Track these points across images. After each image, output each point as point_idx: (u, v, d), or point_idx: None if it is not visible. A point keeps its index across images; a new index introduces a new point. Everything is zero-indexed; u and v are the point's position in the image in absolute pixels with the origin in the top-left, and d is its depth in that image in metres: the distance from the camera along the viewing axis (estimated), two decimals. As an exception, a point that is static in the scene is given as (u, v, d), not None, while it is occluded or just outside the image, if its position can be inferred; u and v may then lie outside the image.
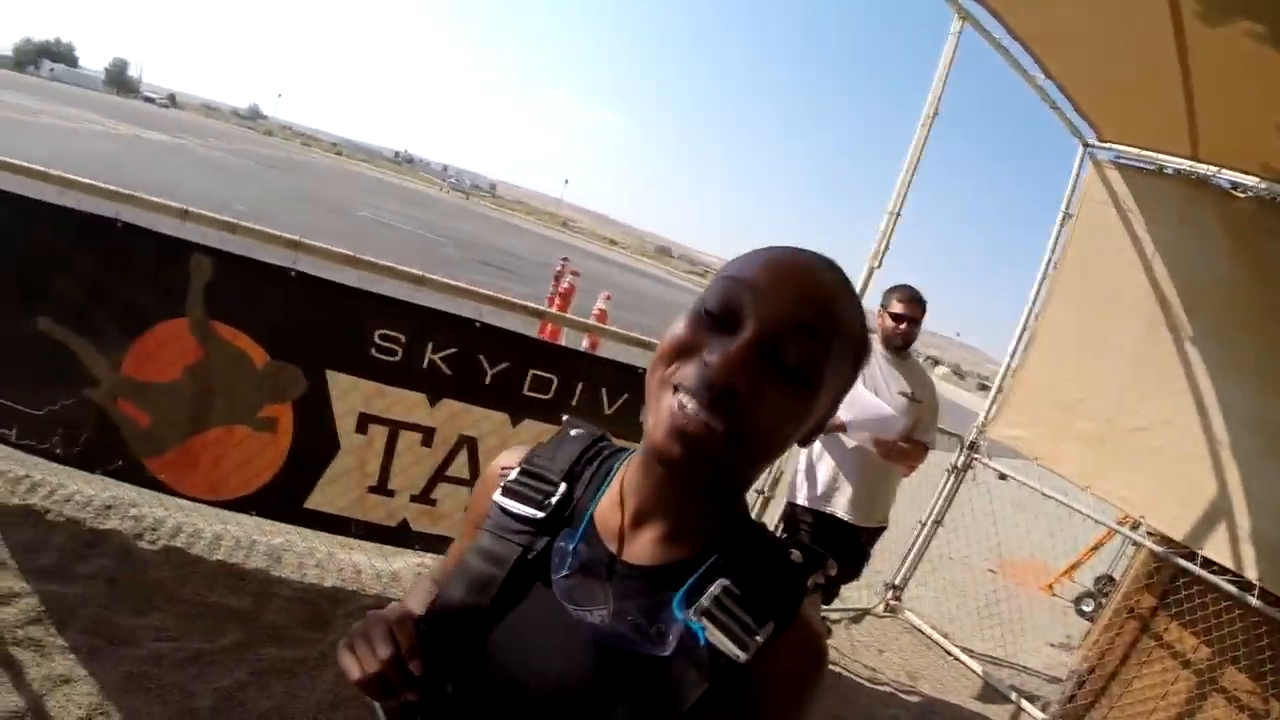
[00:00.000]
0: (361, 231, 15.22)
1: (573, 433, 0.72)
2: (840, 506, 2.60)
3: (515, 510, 0.65)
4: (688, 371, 0.53)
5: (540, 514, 0.64)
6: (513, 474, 0.68)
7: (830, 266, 0.58)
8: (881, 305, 2.68)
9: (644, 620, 0.57)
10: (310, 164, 40.22)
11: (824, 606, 3.48)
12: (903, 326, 2.60)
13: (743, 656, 0.54)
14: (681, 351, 0.55)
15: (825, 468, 2.62)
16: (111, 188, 2.17)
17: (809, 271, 0.56)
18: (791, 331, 0.53)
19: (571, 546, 0.61)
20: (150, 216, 2.15)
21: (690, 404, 0.52)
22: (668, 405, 0.54)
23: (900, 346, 2.66)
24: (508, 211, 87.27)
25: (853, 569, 2.73)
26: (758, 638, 0.54)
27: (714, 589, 0.56)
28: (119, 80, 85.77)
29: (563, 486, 0.65)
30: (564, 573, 0.61)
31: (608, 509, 0.63)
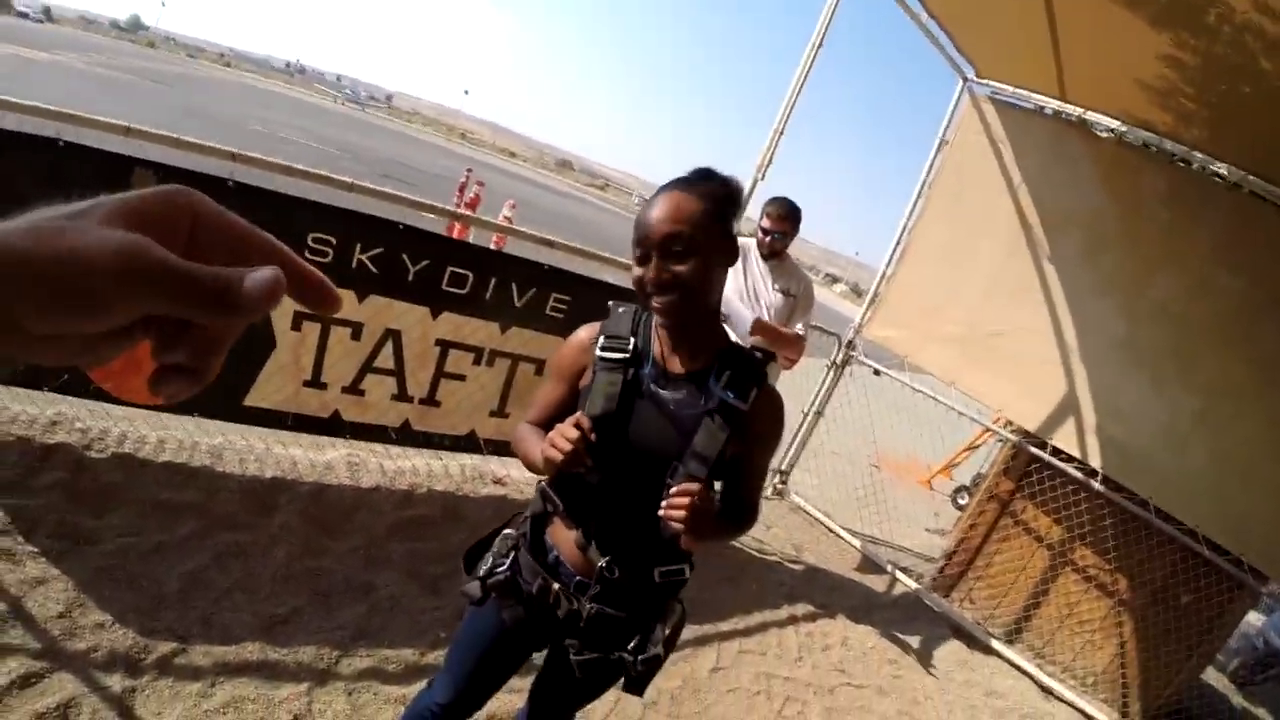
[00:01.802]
0: (255, 146, 14.55)
1: (620, 310, 1.23)
2: None
3: (611, 356, 1.16)
4: (645, 286, 1.08)
5: (627, 355, 1.16)
6: (601, 339, 1.18)
7: (679, 186, 1.10)
8: (760, 215, 2.90)
9: (694, 394, 1.13)
10: (197, 77, 37.07)
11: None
12: (769, 239, 2.82)
13: (744, 406, 1.11)
14: (640, 281, 1.08)
15: None
16: (54, 108, 2.22)
17: (667, 201, 1.07)
18: (663, 239, 1.05)
19: (648, 370, 1.15)
20: (92, 134, 2.22)
21: (654, 300, 1.07)
22: (653, 304, 1.08)
23: (769, 255, 2.88)
24: (405, 123, 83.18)
25: None
26: (751, 395, 1.12)
27: (725, 376, 1.12)
28: None
29: (631, 339, 1.17)
30: (647, 383, 1.14)
31: (658, 347, 1.16)
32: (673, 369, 1.15)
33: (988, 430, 4.17)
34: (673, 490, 1.03)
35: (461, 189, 8.28)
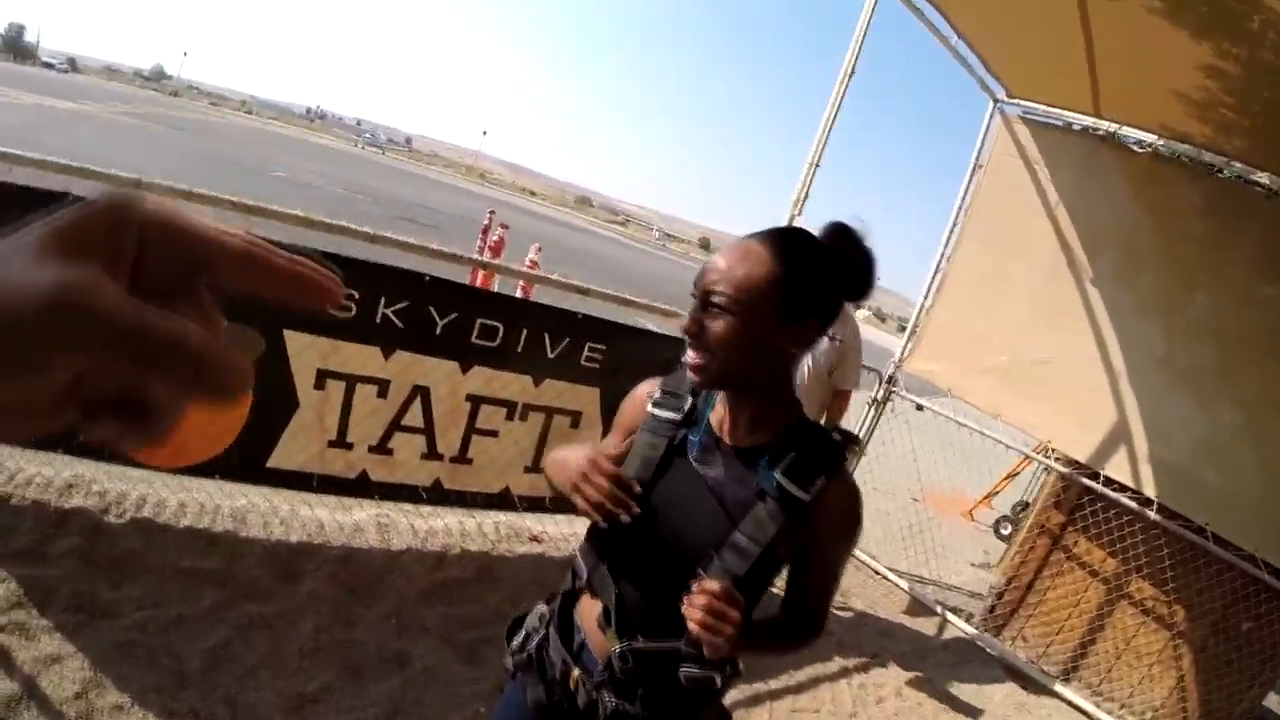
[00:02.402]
0: (278, 192, 14.68)
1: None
2: None
3: (663, 415, 1.03)
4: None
5: (678, 416, 1.02)
6: (658, 393, 1.05)
7: (760, 237, 0.93)
8: None
9: (744, 475, 0.95)
10: (220, 124, 38.06)
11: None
12: None
13: (806, 497, 0.92)
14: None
15: None
16: (62, 162, 2.18)
17: (732, 248, 0.92)
18: (710, 286, 0.89)
19: (697, 438, 1.00)
20: (101, 188, 2.16)
21: (687, 353, 0.92)
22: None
23: None
24: (425, 165, 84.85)
25: None
26: (814, 486, 0.92)
27: (787, 458, 0.93)
28: (15, 47, 79.47)
29: (689, 399, 1.03)
30: (694, 452, 0.99)
31: (718, 413, 1.00)
32: (729, 441, 0.99)
33: (1028, 458, 4.01)
34: (695, 587, 0.88)
35: (485, 232, 8.20)
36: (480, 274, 4.29)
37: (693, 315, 0.91)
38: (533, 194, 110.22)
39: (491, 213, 8.99)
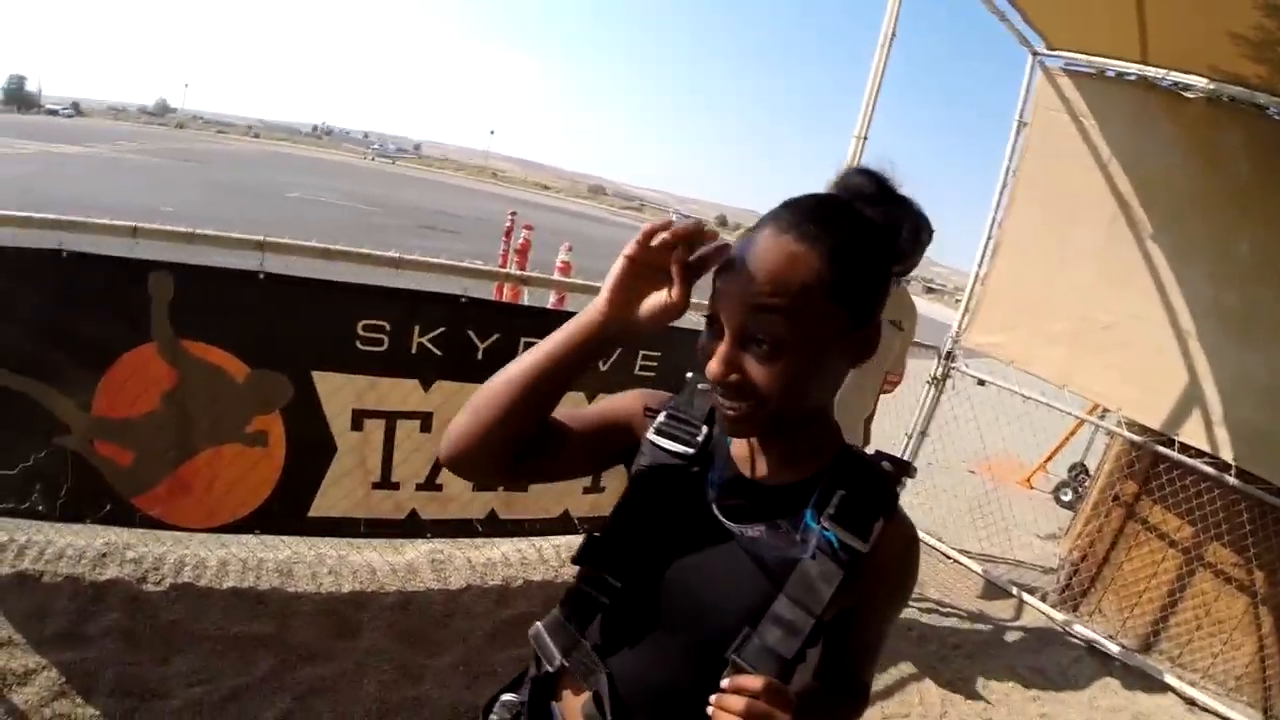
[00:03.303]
0: (295, 214, 14.58)
1: (700, 386, 0.84)
2: None
3: (669, 447, 0.80)
4: (711, 377, 0.68)
5: (691, 450, 0.79)
6: (662, 417, 0.82)
7: (792, 228, 0.66)
8: None
9: (789, 529, 0.73)
10: (228, 151, 38.11)
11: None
12: None
13: (865, 548, 0.71)
14: (703, 358, 0.70)
15: None
16: (49, 216, 2.01)
17: (763, 253, 0.66)
18: (751, 316, 0.65)
19: (716, 477, 0.78)
20: (96, 240, 2.01)
21: (721, 400, 0.70)
22: (718, 402, 0.70)
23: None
24: (437, 171, 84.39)
25: None
26: (873, 532, 0.72)
27: (835, 500, 0.72)
28: (18, 97, 79.83)
29: (704, 429, 0.80)
30: (715, 496, 0.77)
31: (740, 445, 0.79)
32: (757, 475, 0.77)
33: (1083, 421, 3.85)
34: (725, 684, 0.65)
35: (508, 234, 7.89)
36: (504, 286, 4.11)
37: (726, 358, 0.66)
38: (546, 188, 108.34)
39: (513, 214, 8.70)
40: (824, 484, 0.74)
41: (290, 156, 47.12)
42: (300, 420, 2.11)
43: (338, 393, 2.07)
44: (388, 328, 2.02)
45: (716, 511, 0.75)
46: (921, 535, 3.51)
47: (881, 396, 2.65)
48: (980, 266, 3.75)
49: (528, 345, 2.22)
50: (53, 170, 15.87)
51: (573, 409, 0.85)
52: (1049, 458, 5.94)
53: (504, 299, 4.20)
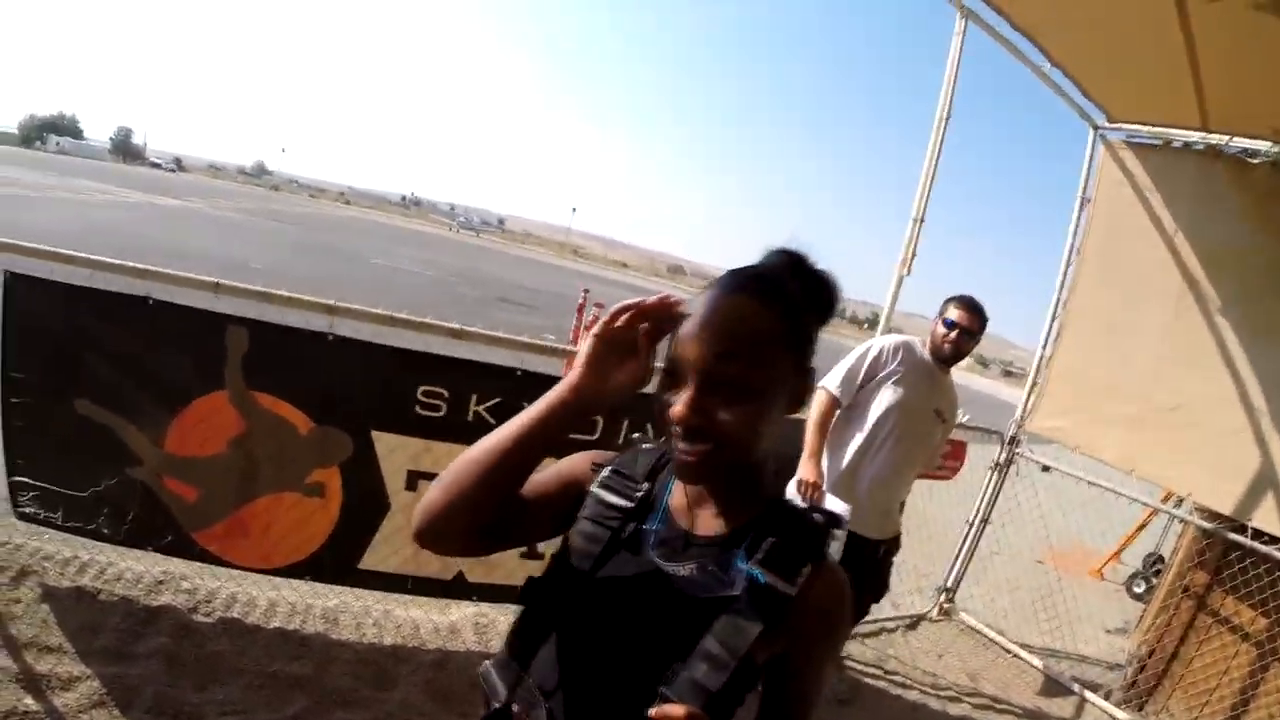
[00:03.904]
0: (378, 279, 15.20)
1: (645, 446, 0.92)
2: (852, 522, 2.47)
3: (610, 500, 0.84)
4: (672, 418, 0.73)
5: (630, 504, 0.84)
6: (606, 471, 0.87)
7: (745, 289, 0.75)
8: (938, 313, 2.53)
9: (719, 570, 0.77)
10: (319, 215, 40.20)
11: (877, 617, 3.42)
12: (954, 335, 2.43)
13: (792, 591, 0.74)
14: (664, 406, 0.75)
15: (831, 488, 2.49)
16: (141, 266, 2.17)
17: (723, 310, 0.74)
18: (716, 364, 0.72)
19: (654, 528, 0.82)
20: (182, 291, 2.16)
21: (681, 443, 0.74)
22: (673, 446, 0.75)
23: (948, 358, 2.48)
24: (519, 245, 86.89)
25: (877, 583, 2.65)
26: (800, 577, 0.75)
27: (765, 545, 0.76)
28: (124, 149, 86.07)
29: (644, 484, 0.85)
30: (652, 545, 0.80)
31: (678, 499, 0.84)
32: (694, 530, 0.81)
33: (1156, 510, 3.65)
34: (653, 714, 0.68)
35: (580, 310, 8.24)
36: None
37: (694, 403, 0.72)
38: (625, 266, 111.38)
39: (586, 291, 9.04)
40: (755, 531, 0.78)
41: (378, 224, 49.37)
42: (357, 476, 2.18)
43: (395, 453, 2.14)
44: (446, 395, 2.09)
45: (651, 553, 0.80)
46: (980, 628, 3.35)
47: (940, 482, 2.58)
48: (1045, 349, 3.64)
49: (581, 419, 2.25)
50: (154, 220, 17.03)
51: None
52: (1121, 547, 5.67)
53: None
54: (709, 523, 0.81)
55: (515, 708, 0.81)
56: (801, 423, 2.38)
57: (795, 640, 0.77)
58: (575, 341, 7.38)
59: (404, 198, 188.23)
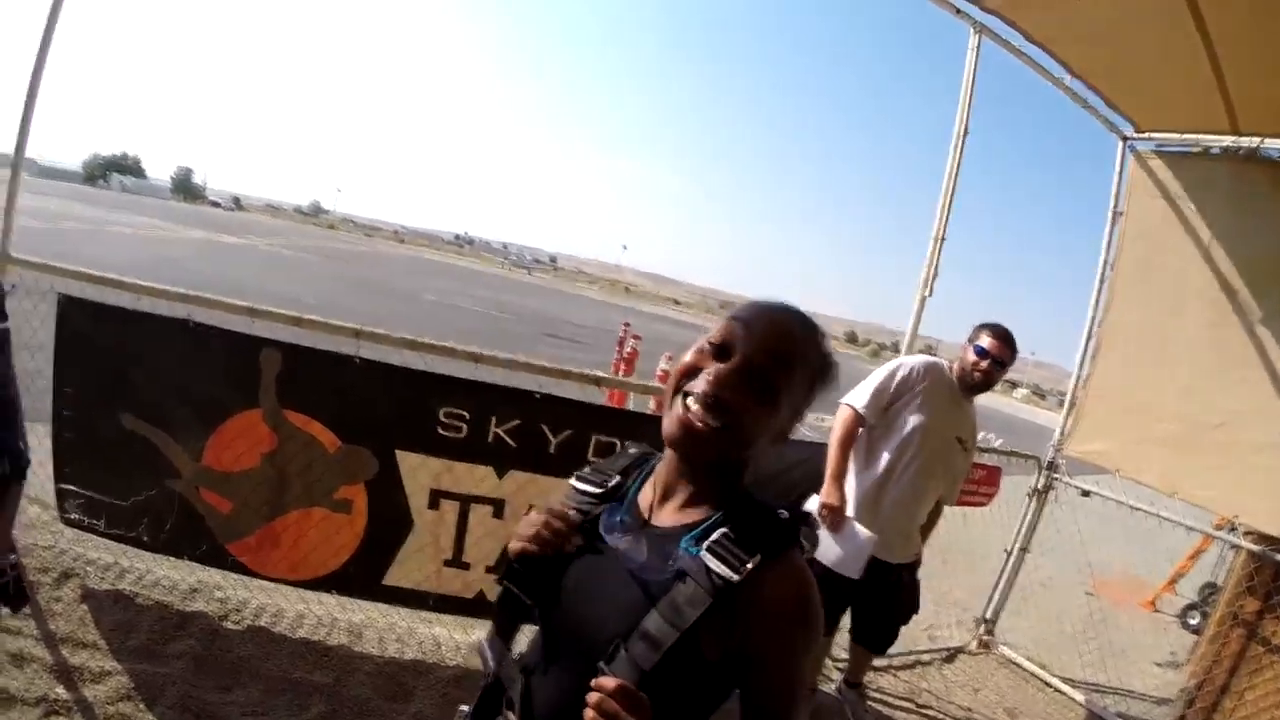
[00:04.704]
0: (429, 315, 15.64)
1: (631, 450, 0.99)
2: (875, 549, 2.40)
3: (582, 488, 0.92)
4: (694, 384, 0.78)
5: (600, 489, 0.91)
6: (586, 469, 0.95)
7: (800, 317, 0.83)
8: (968, 340, 2.48)
9: (667, 554, 0.79)
10: (374, 254, 41.50)
11: (911, 649, 3.33)
12: (985, 364, 2.38)
13: (735, 577, 0.74)
14: (691, 372, 0.79)
15: (855, 512, 2.41)
16: (182, 291, 2.31)
17: (784, 320, 0.82)
18: (765, 360, 0.77)
19: (616, 517, 0.87)
20: (220, 315, 2.28)
21: (695, 406, 0.77)
22: (678, 406, 0.78)
23: (976, 385, 2.43)
24: (570, 282, 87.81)
25: (903, 604, 2.59)
26: (747, 565, 0.75)
27: (716, 534, 0.78)
28: (184, 188, 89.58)
29: (617, 477, 0.92)
30: (612, 528, 0.86)
31: (646, 492, 0.88)
32: (656, 519, 0.85)
33: (1211, 537, 3.48)
34: (593, 683, 0.71)
35: (621, 344, 8.42)
36: (618, 394, 4.22)
37: (729, 378, 0.77)
38: (677, 303, 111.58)
39: (626, 325, 9.25)
40: (712, 521, 0.80)
41: (431, 262, 50.76)
42: (382, 494, 2.25)
43: (418, 472, 2.20)
44: (467, 416, 2.16)
45: (611, 543, 0.84)
46: (1021, 661, 3.21)
47: (977, 510, 2.52)
48: (1081, 369, 3.53)
49: (599, 442, 2.31)
50: (212, 256, 17.82)
51: None
52: (1175, 577, 5.40)
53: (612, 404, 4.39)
54: (671, 516, 0.84)
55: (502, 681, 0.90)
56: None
57: (750, 637, 0.76)
58: (615, 372, 7.58)
59: (457, 236, 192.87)
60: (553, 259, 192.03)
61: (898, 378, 2.38)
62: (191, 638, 2.29)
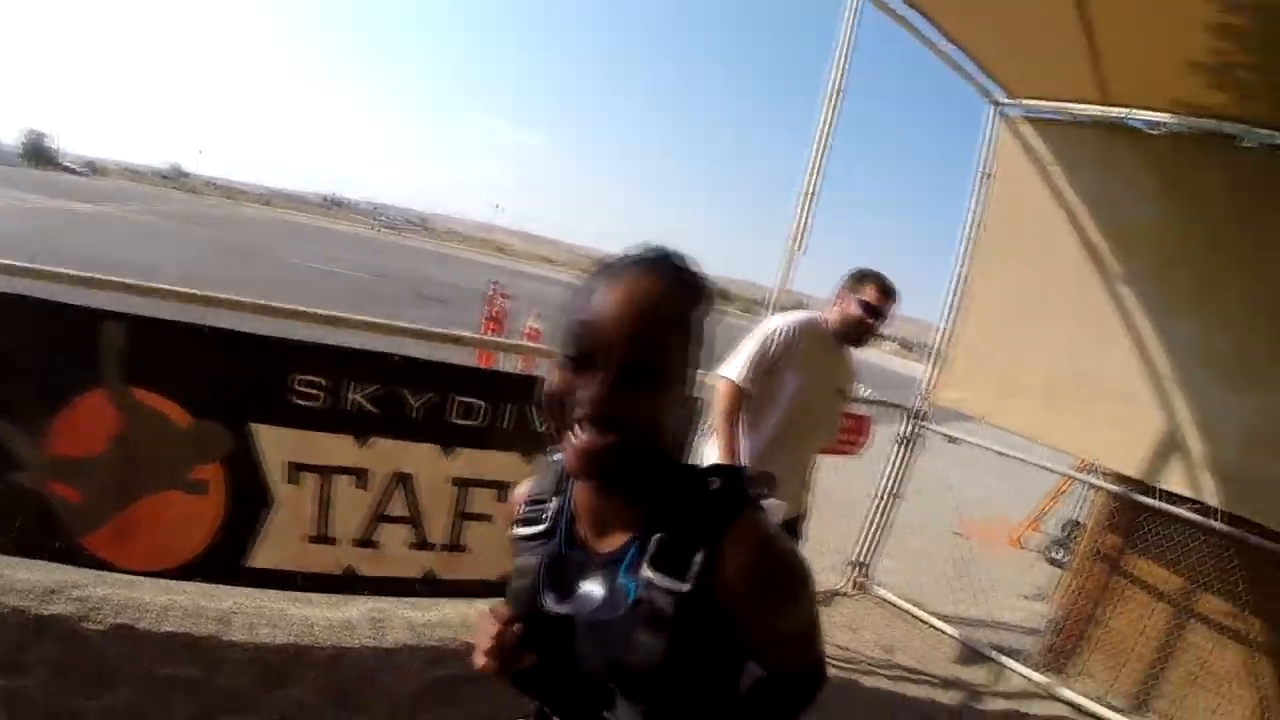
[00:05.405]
0: (295, 280, 15.01)
1: (555, 457, 0.86)
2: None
3: (526, 533, 0.84)
4: (573, 412, 0.70)
5: (542, 528, 0.83)
6: (521, 510, 0.86)
7: (649, 273, 0.72)
8: (849, 289, 2.39)
9: (620, 590, 0.75)
10: (238, 217, 39.55)
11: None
12: (870, 319, 2.34)
13: (686, 586, 0.71)
14: (563, 397, 0.71)
15: None
16: (7, 262, 2.10)
17: (634, 293, 0.70)
18: (631, 352, 0.68)
19: (567, 553, 0.80)
20: (55, 288, 2.09)
21: (585, 434, 0.70)
22: (570, 439, 0.71)
23: (858, 339, 2.40)
24: (442, 243, 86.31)
25: None
26: (694, 566, 0.72)
27: (652, 545, 0.73)
28: (36, 153, 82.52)
29: (554, 501, 0.84)
30: (564, 571, 0.80)
31: (583, 511, 0.80)
32: (597, 546, 0.79)
33: (1071, 478, 3.74)
34: None
35: (489, 303, 8.24)
36: (484, 353, 4.16)
37: (604, 395, 0.68)
38: (550, 261, 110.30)
39: (494, 284, 9.05)
40: (647, 531, 0.74)
41: (298, 225, 48.68)
42: (239, 471, 2.13)
43: (275, 445, 2.09)
44: (324, 383, 2.04)
45: (573, 585, 0.78)
46: (896, 601, 3.36)
47: (849, 458, 2.58)
48: (946, 322, 3.69)
49: (460, 404, 2.24)
50: (68, 225, 16.53)
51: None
52: (1036, 515, 5.81)
53: (483, 364, 4.30)
54: (608, 536, 0.78)
55: None
56: None
57: (740, 611, 0.74)
58: (484, 332, 7.43)
59: (326, 198, 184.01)
60: (424, 219, 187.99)
61: (775, 342, 2.31)
62: (52, 643, 2.12)
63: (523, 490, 0.89)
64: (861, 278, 2.39)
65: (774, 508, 2.27)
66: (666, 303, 0.71)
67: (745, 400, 2.29)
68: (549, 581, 0.80)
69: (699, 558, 0.71)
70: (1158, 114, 3.14)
